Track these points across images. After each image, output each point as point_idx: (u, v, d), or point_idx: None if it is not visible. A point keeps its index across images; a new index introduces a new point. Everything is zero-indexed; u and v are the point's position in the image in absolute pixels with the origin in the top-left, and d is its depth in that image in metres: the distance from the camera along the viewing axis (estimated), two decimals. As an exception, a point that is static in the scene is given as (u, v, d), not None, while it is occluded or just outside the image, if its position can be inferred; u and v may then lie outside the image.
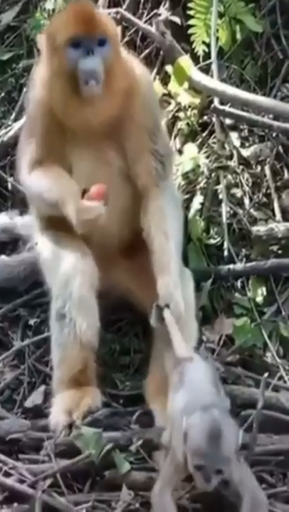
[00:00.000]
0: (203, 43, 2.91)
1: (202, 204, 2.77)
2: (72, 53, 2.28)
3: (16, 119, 3.12)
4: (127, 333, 2.61)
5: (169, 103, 2.95)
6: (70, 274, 2.31)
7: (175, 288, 2.23)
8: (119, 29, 2.41)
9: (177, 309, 2.20)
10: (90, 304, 2.31)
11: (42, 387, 2.49)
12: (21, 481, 2.09)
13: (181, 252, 2.41)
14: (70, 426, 2.22)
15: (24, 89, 3.08)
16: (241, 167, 2.84)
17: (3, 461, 2.14)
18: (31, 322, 2.68)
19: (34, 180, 2.43)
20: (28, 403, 2.44)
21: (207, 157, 2.84)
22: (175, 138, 2.93)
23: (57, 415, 2.26)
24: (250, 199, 2.81)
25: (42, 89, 2.39)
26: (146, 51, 3.04)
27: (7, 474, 2.11)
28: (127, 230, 2.45)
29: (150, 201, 2.39)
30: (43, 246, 2.48)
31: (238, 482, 1.89)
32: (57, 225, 2.40)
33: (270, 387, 2.36)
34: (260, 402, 2.01)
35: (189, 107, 2.93)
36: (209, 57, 2.88)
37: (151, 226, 2.36)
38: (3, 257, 2.86)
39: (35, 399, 2.45)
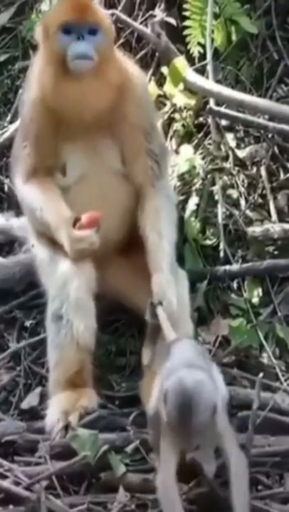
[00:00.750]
0: (199, 44, 2.91)
1: (198, 205, 2.77)
2: (63, 38, 2.30)
3: (11, 121, 3.12)
4: (124, 334, 2.61)
5: (165, 104, 2.95)
6: (67, 276, 2.31)
7: (168, 285, 2.27)
8: (113, 28, 2.41)
9: (170, 307, 2.24)
10: (87, 305, 2.31)
11: (38, 389, 2.48)
12: (17, 484, 2.08)
13: (175, 250, 2.42)
14: (66, 427, 2.21)
15: (20, 91, 3.09)
16: (237, 168, 2.85)
17: (-1, 463, 2.14)
18: (27, 324, 2.68)
19: (28, 193, 2.44)
20: (24, 405, 2.44)
21: (203, 158, 2.84)
22: (171, 139, 2.93)
23: (53, 417, 2.26)
24: (246, 200, 2.81)
25: (36, 86, 2.39)
26: (142, 52, 3.04)
27: (2, 476, 2.10)
28: (124, 227, 2.46)
29: (146, 201, 2.42)
30: (39, 247, 2.48)
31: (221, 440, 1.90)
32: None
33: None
34: (255, 402, 2.01)
35: (185, 108, 2.93)
36: (205, 59, 2.88)
37: (146, 225, 2.38)
38: (-1, 258, 2.86)
39: (31, 400, 2.44)
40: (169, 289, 2.27)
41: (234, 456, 1.90)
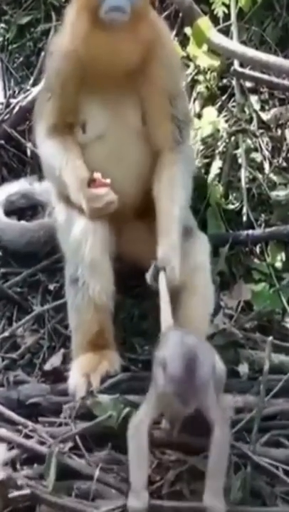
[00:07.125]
0: (223, 4, 2.89)
1: (221, 169, 2.76)
2: None
3: (34, 84, 3.11)
4: (146, 298, 2.62)
5: (188, 66, 2.92)
6: (81, 238, 2.30)
7: (173, 252, 2.21)
8: None
9: (172, 274, 2.18)
10: (102, 266, 2.31)
11: (61, 351, 2.51)
12: (41, 443, 2.12)
13: (187, 215, 2.37)
14: (89, 390, 2.23)
15: (42, 54, 3.06)
16: (261, 131, 2.82)
17: (23, 424, 2.17)
18: (51, 287, 2.70)
19: (48, 151, 2.42)
20: (47, 366, 2.46)
21: (226, 121, 2.82)
22: (194, 101, 2.91)
23: (75, 380, 2.27)
24: (270, 163, 2.79)
25: (66, 38, 2.34)
26: (165, 13, 3.01)
27: (27, 436, 2.14)
28: (142, 189, 2.40)
29: (163, 168, 2.37)
30: (58, 211, 2.47)
31: (208, 409, 1.95)
32: None
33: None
34: (266, 365, 2.02)
35: (208, 69, 2.91)
36: (229, 19, 2.86)
37: (160, 193, 2.33)
38: (23, 222, 2.87)
39: (54, 362, 2.47)
40: (174, 255, 2.21)
41: (218, 429, 1.94)
